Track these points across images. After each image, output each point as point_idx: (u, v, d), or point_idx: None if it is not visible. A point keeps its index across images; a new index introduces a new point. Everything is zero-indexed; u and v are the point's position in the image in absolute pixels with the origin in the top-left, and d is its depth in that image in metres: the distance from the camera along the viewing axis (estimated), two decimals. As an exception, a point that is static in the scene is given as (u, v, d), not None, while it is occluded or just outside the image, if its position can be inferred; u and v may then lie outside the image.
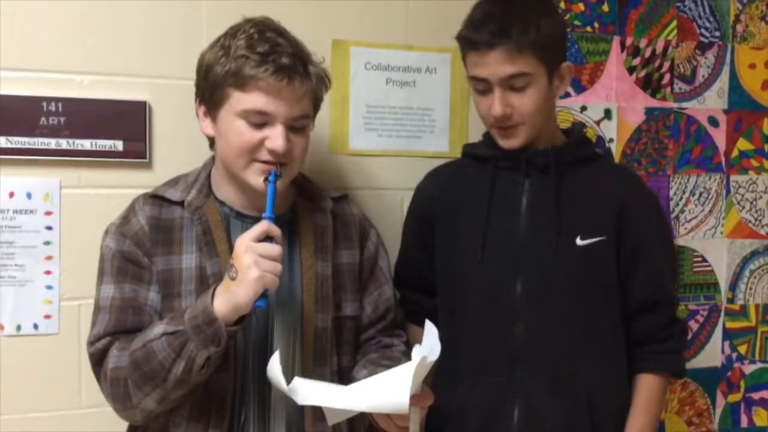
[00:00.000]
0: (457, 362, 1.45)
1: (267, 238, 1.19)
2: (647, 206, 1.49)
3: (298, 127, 1.28)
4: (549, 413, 1.41)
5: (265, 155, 1.25)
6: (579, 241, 1.42)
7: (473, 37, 1.37)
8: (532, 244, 1.43)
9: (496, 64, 1.35)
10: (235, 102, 1.24)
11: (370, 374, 1.31)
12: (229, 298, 1.16)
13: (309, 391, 1.19)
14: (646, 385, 1.47)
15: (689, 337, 1.97)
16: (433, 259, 1.54)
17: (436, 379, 1.44)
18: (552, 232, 1.42)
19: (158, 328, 1.19)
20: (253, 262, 1.14)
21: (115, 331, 1.26)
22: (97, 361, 1.26)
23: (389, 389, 1.14)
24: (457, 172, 1.57)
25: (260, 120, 1.24)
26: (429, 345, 1.22)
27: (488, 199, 1.46)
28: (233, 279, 1.16)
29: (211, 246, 1.29)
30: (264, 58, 1.22)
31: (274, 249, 1.18)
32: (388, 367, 1.32)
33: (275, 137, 1.24)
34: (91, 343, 1.27)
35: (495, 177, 1.47)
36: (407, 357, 1.41)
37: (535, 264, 1.43)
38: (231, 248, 1.28)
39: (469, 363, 1.46)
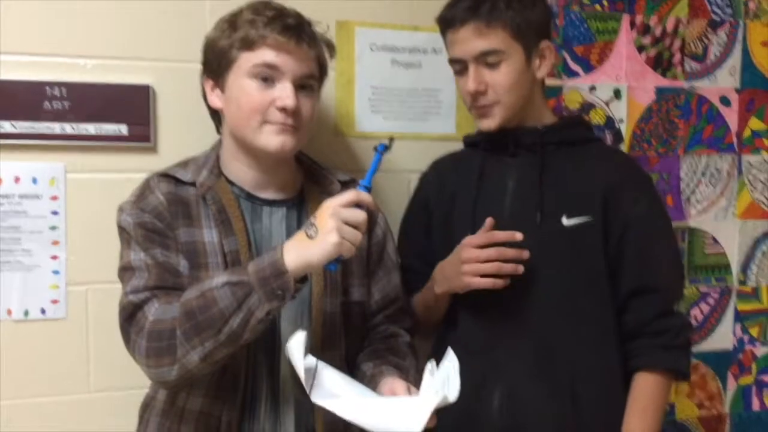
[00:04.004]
0: (451, 344, 1.40)
1: (356, 206, 1.18)
2: (637, 187, 1.45)
3: (305, 86, 1.30)
4: (530, 397, 1.40)
5: (275, 115, 1.27)
6: (565, 221, 1.40)
7: (448, 15, 1.42)
8: (515, 223, 1.40)
9: (467, 41, 1.38)
10: (243, 62, 1.27)
11: (376, 368, 1.32)
12: (302, 255, 1.15)
13: (322, 387, 1.19)
14: (639, 385, 1.40)
15: (700, 322, 1.97)
16: (432, 244, 1.54)
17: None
18: (535, 211, 1.40)
19: (219, 279, 1.17)
20: (335, 227, 1.14)
21: (155, 286, 1.23)
22: (130, 314, 1.22)
23: (402, 420, 1.13)
24: (456, 160, 1.59)
25: (269, 74, 1.26)
26: (446, 373, 1.20)
27: (476, 181, 1.47)
28: (311, 238, 1.15)
29: (227, 224, 1.29)
30: (271, 20, 1.26)
31: (359, 216, 1.17)
32: (393, 364, 1.33)
33: (285, 95, 1.26)
34: (126, 293, 1.23)
35: (485, 159, 1.48)
36: (411, 349, 1.43)
37: (518, 243, 1.39)
38: (246, 227, 1.30)
39: (458, 345, 1.42)
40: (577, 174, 1.43)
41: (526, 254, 1.36)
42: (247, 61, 1.27)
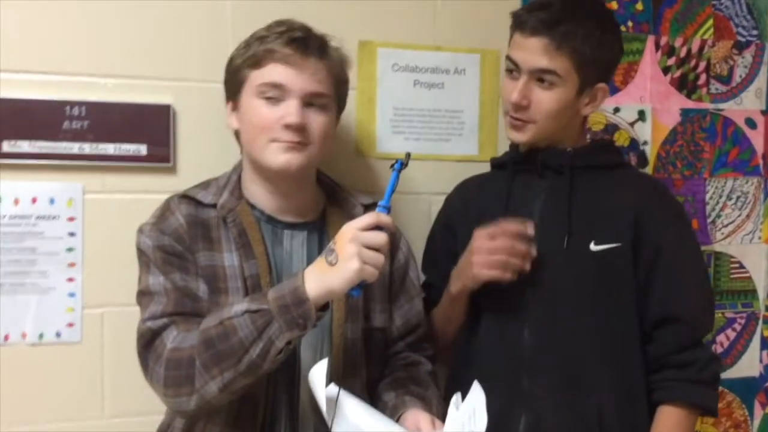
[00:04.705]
0: (471, 372, 1.39)
1: (376, 228, 1.15)
2: (667, 214, 1.41)
3: (316, 105, 1.28)
4: (556, 425, 1.36)
5: (282, 133, 1.25)
6: (593, 246, 1.37)
7: (524, 17, 1.37)
8: (541, 245, 1.37)
9: (531, 52, 1.35)
10: (251, 81, 1.27)
11: (398, 398, 1.29)
12: (323, 282, 1.12)
13: (344, 418, 1.16)
14: (662, 419, 1.36)
15: (725, 348, 1.93)
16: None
17: (448, 389, 1.42)
18: (562, 234, 1.37)
19: (238, 307, 1.14)
20: (356, 252, 1.11)
21: (173, 313, 1.21)
22: (148, 341, 1.20)
23: None
24: (482, 182, 1.57)
25: (275, 94, 1.25)
26: (472, 407, 1.16)
27: (504, 202, 1.45)
28: (331, 264, 1.12)
29: (247, 248, 1.27)
30: (279, 34, 1.26)
31: (380, 239, 1.14)
32: (416, 394, 1.31)
33: (289, 112, 1.24)
34: (144, 320, 1.22)
35: (512, 180, 1.46)
36: (433, 378, 1.41)
37: (544, 266, 1.38)
38: (267, 250, 1.28)
39: (480, 372, 1.39)
40: (607, 199, 1.41)
41: (534, 252, 1.35)
42: (255, 79, 1.27)
